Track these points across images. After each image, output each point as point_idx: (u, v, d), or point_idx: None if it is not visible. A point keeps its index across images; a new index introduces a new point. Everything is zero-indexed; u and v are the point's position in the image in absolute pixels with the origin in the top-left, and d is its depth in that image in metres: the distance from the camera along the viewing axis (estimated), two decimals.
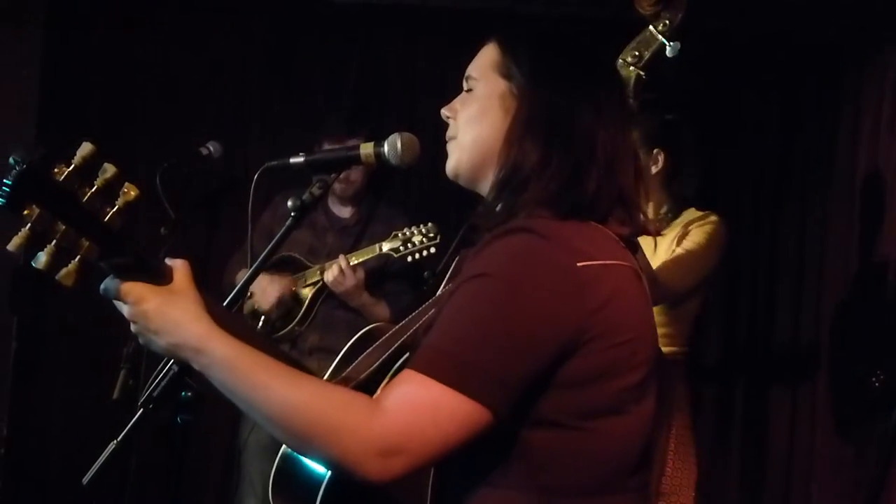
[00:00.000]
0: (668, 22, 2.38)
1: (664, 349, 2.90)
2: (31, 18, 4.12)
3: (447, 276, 1.63)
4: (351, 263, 3.36)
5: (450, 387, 1.25)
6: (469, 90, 1.53)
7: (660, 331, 2.88)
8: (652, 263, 2.97)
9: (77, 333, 4.14)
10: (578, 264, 1.31)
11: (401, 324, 1.63)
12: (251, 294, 3.52)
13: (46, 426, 4.19)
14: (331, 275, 3.35)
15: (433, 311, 1.48)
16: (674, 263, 2.91)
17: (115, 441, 1.47)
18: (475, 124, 1.49)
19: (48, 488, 4.08)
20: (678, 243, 2.96)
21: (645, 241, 3.09)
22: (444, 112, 1.56)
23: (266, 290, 3.48)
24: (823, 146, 4.15)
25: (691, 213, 3.04)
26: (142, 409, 1.50)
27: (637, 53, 2.41)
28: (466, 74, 1.54)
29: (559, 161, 1.40)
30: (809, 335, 4.09)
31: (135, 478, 3.21)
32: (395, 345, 1.55)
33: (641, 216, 1.48)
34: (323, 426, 1.26)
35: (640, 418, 1.40)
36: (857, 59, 4.03)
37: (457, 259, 1.60)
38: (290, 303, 3.52)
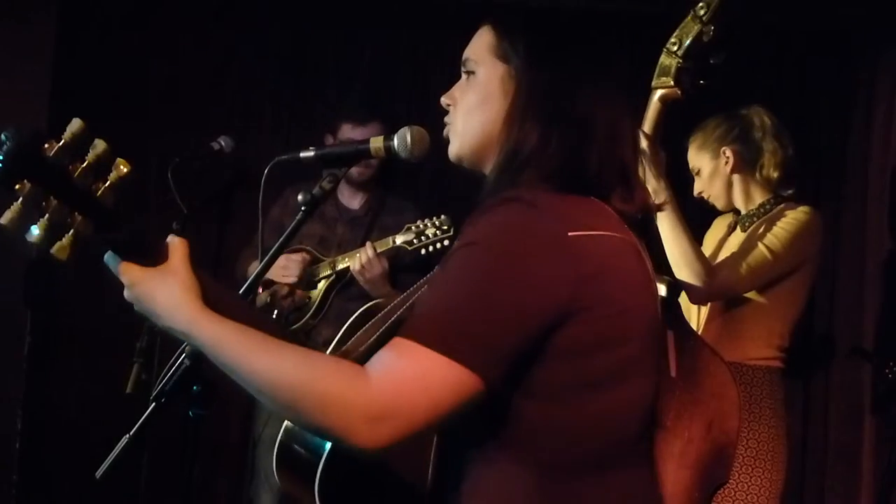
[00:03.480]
0: (707, 5, 2.37)
1: (747, 354, 2.84)
2: (42, 14, 4.13)
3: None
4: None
5: (438, 352, 1.25)
6: (468, 73, 1.52)
7: (741, 334, 2.87)
8: (724, 255, 2.94)
9: (90, 328, 4.17)
10: (569, 233, 1.31)
11: (398, 299, 1.64)
12: (265, 285, 3.53)
13: (60, 420, 4.21)
14: (358, 263, 3.35)
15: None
16: (729, 260, 2.83)
17: (127, 435, 1.48)
18: (477, 111, 1.49)
19: (62, 481, 4.10)
20: (751, 237, 2.87)
21: (722, 232, 3.06)
22: (444, 100, 1.56)
23: (288, 266, 3.48)
24: (836, 136, 4.13)
25: (783, 208, 2.91)
26: (154, 404, 1.51)
27: (677, 40, 2.40)
28: (464, 58, 1.53)
29: (559, 140, 1.40)
30: (822, 327, 4.07)
31: (148, 471, 3.23)
32: (392, 318, 1.56)
33: (643, 193, 1.47)
34: (310, 394, 1.27)
35: (636, 392, 1.39)
36: (871, 47, 4.01)
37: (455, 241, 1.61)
38: (313, 274, 3.52)
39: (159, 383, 1.52)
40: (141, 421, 1.49)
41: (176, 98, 4.25)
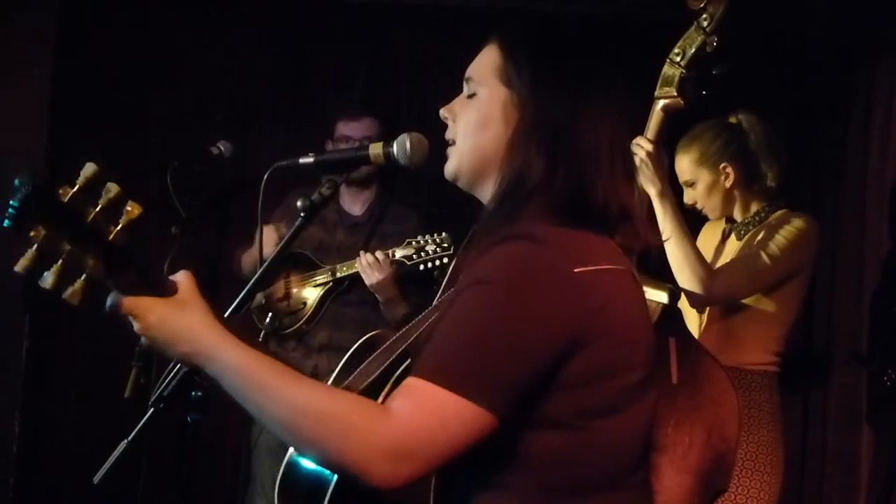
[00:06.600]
0: (711, 16, 2.38)
1: (745, 359, 2.86)
2: (43, 18, 4.13)
3: (445, 280, 1.64)
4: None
5: (456, 393, 1.27)
6: (470, 95, 1.51)
7: (739, 339, 2.87)
8: (720, 263, 2.95)
9: (89, 332, 4.16)
10: (575, 270, 1.32)
11: (401, 331, 1.64)
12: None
13: (58, 424, 4.21)
14: (366, 261, 3.34)
15: (433, 317, 1.49)
16: (729, 266, 2.84)
17: (125, 440, 1.48)
18: (476, 133, 1.49)
19: (60, 486, 4.10)
20: (750, 243, 2.88)
21: (714, 239, 3.07)
22: (443, 113, 1.56)
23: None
24: (834, 140, 4.14)
25: (779, 215, 2.92)
26: (152, 409, 1.50)
27: (681, 51, 2.40)
28: (467, 76, 1.53)
29: (565, 174, 1.40)
30: (822, 333, 4.07)
31: (146, 476, 3.22)
32: (397, 352, 1.56)
33: (645, 229, 1.48)
34: (331, 431, 1.27)
35: (639, 417, 1.42)
36: (869, 51, 4.01)
37: (454, 261, 1.61)
38: (311, 279, 3.52)
39: (158, 388, 1.52)
40: (139, 426, 1.49)
41: (175, 102, 4.25)
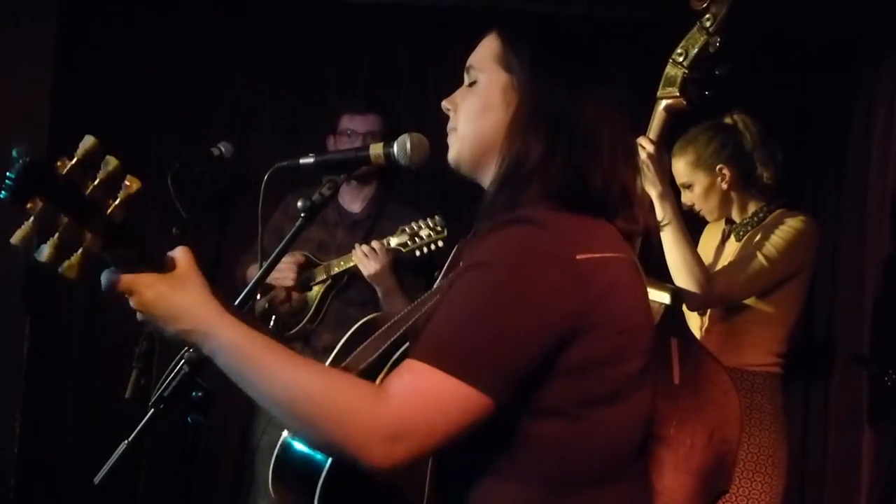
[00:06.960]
0: (713, 17, 2.38)
1: (747, 360, 2.87)
2: (44, 18, 4.14)
3: (445, 267, 1.64)
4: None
5: (454, 375, 1.26)
6: (471, 83, 1.52)
7: (741, 341, 2.87)
8: (720, 264, 2.95)
9: (89, 333, 4.16)
10: (577, 256, 1.32)
11: (401, 314, 1.64)
12: (262, 291, 3.53)
13: (59, 425, 4.21)
14: (361, 252, 3.33)
15: (433, 301, 1.49)
16: (727, 269, 2.85)
17: (126, 441, 1.47)
18: (477, 118, 1.49)
19: (61, 487, 4.09)
20: (747, 245, 2.89)
21: (715, 241, 3.07)
22: (445, 104, 1.57)
23: (282, 269, 3.46)
24: (836, 141, 4.13)
25: (777, 215, 2.93)
26: (153, 409, 1.50)
27: (683, 51, 2.41)
28: (467, 65, 1.54)
29: (563, 157, 1.41)
30: (822, 334, 4.07)
31: (146, 478, 3.22)
32: (396, 335, 1.56)
33: (642, 213, 1.48)
34: (328, 411, 1.27)
35: (638, 408, 1.41)
36: (871, 52, 4.01)
37: (455, 249, 1.62)
38: (308, 279, 3.52)
39: (158, 389, 1.52)
40: (140, 427, 1.49)
41: (176, 103, 4.25)
